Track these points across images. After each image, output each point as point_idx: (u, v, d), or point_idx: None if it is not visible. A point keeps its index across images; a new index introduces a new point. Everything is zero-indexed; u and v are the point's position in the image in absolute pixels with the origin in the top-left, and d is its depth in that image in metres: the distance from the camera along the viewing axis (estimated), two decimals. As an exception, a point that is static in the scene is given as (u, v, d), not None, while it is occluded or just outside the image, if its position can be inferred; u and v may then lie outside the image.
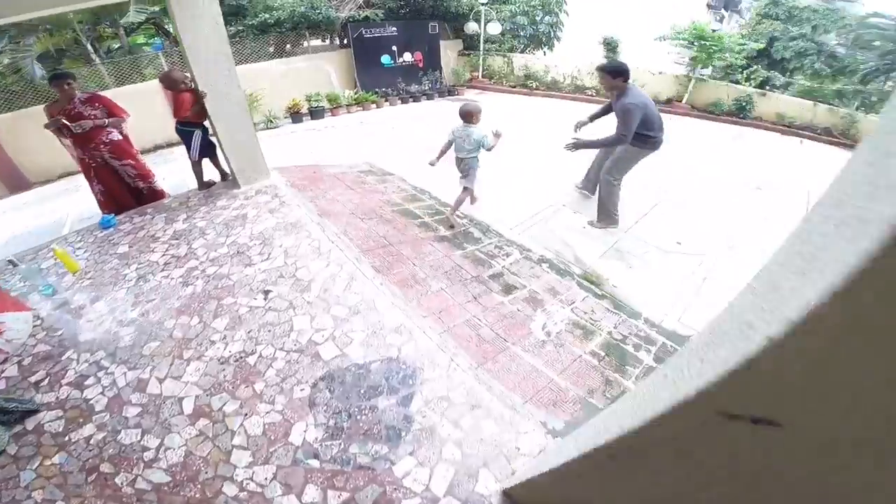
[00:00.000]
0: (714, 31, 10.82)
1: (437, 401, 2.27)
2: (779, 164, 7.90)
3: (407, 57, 11.65)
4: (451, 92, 12.37)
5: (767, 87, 11.93)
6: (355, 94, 10.07)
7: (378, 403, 2.25)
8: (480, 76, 13.33)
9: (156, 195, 4.55)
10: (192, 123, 3.95)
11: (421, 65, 11.98)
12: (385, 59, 11.25)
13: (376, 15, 10.91)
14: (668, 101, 11.50)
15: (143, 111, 6.34)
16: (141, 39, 11.71)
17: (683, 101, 11.19)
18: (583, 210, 4.79)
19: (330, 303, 2.88)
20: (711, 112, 10.92)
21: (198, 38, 3.45)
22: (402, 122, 8.70)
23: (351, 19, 10.67)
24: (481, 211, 4.54)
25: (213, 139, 4.27)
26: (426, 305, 2.95)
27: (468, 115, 3.83)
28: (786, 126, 10.74)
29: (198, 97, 3.69)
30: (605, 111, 4.34)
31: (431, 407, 2.24)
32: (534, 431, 2.13)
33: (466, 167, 3.98)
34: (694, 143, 8.46)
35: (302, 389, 2.34)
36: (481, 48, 12.88)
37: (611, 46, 12.06)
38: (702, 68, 11.13)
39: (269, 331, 2.70)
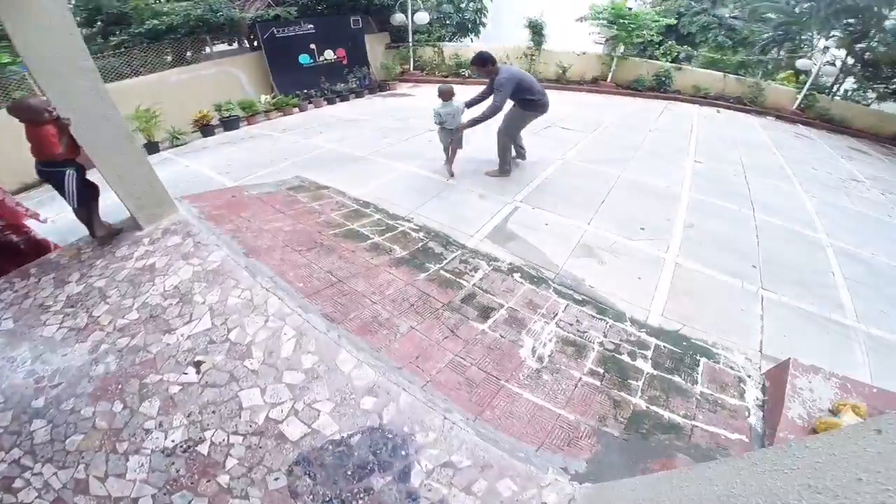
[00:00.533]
0: (629, 9, 10.99)
1: (440, 469, 1.89)
2: (709, 134, 8.21)
3: (328, 55, 10.83)
4: (381, 87, 11.72)
5: (682, 61, 12.48)
6: (273, 98, 9.19)
7: (372, 484, 1.83)
8: (412, 68, 12.82)
9: (39, 248, 3.61)
10: (59, 162, 3.05)
11: (345, 62, 11.20)
12: (303, 58, 10.35)
13: (288, 13, 10.01)
14: (595, 81, 11.69)
15: (13, 142, 5.13)
16: (5, 58, 9.84)
17: (608, 79, 11.41)
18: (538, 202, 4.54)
19: (280, 369, 2.30)
20: (635, 88, 11.23)
21: (49, 55, 2.65)
22: (331, 126, 7.90)
23: (259, 19, 9.68)
24: (436, 218, 4.11)
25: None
26: (399, 352, 2.45)
27: (448, 94, 4.58)
28: (702, 97, 11.29)
29: (62, 127, 2.85)
30: (483, 96, 4.68)
31: (436, 478, 1.86)
32: (557, 481, 1.87)
33: (457, 135, 4.76)
34: (631, 121, 8.57)
35: (276, 479, 1.84)
36: (410, 40, 12.33)
37: (536, 29, 11.93)
38: (623, 47, 11.36)
39: (214, 412, 2.11)
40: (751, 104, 11.34)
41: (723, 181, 5.70)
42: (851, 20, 11.61)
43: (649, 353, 2.71)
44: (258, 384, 2.24)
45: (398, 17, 12.01)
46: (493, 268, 3.40)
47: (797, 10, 12.74)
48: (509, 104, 4.51)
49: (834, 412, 2.23)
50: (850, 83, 12.84)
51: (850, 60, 11.92)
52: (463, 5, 13.59)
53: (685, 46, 12.76)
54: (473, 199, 4.60)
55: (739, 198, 5.19)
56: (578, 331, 2.83)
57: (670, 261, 3.75)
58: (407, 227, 3.92)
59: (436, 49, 12.88)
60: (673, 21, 12.59)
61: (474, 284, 3.16)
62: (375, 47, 12.41)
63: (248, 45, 10.67)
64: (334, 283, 2.96)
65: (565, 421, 2.17)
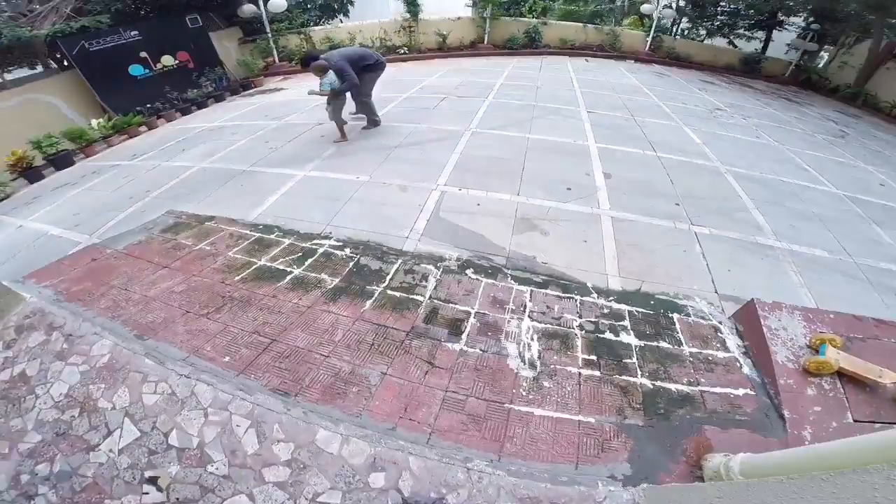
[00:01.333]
0: None
1: (491, 523, 1.48)
2: (589, 83, 8.47)
3: (167, 61, 9.04)
4: (244, 86, 10.09)
5: (541, 15, 12.78)
6: (109, 121, 7.27)
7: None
8: (277, 60, 11.28)
9: None
10: None
11: (192, 65, 9.46)
12: (135, 69, 8.52)
13: (98, 22, 8.10)
14: (473, 45, 11.50)
15: None
16: None
17: (485, 41, 11.28)
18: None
19: (255, 468, 1.65)
20: (511, 47, 11.29)
21: None
22: (194, 139, 6.41)
23: (60, 34, 7.63)
24: (359, 226, 3.50)
25: None
26: (382, 410, 1.92)
27: (322, 69, 4.74)
28: (570, 49, 11.74)
29: None
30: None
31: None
32: (612, 492, 1.69)
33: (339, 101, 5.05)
34: (518, 81, 8.46)
35: None
36: (268, 30, 10.71)
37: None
38: (489, 8, 11.26)
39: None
40: (611, 50, 12.11)
41: (619, 128, 5.85)
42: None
43: (627, 324, 2.58)
44: (241, 490, 1.62)
45: (247, 9, 10.36)
46: (444, 269, 2.96)
47: None
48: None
49: (813, 348, 2.26)
50: (685, 23, 14.38)
51: (682, 2, 13.28)
52: None
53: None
54: (394, 192, 4.02)
55: (639, 141, 5.37)
56: (554, 318, 2.57)
57: (605, 216, 3.66)
58: (328, 245, 3.24)
59: (303, 36, 11.52)
60: None
61: (431, 297, 2.69)
62: (226, 45, 10.77)
63: (55, 66, 8.34)
64: (267, 345, 2.26)
65: (588, 427, 1.95)
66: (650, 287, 2.94)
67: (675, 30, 13.62)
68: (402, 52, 11.10)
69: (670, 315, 2.69)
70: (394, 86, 8.00)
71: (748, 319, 2.57)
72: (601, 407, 2.05)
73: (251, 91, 9.73)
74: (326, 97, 4.89)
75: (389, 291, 2.73)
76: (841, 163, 6.07)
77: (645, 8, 12.37)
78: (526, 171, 4.35)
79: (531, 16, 11.99)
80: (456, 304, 2.64)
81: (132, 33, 8.35)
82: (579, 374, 2.22)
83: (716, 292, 2.99)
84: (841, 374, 2.11)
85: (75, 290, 2.75)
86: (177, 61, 9.20)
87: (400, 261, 3.05)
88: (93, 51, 7.76)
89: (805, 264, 3.41)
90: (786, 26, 15.04)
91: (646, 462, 1.82)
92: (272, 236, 3.39)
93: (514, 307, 2.64)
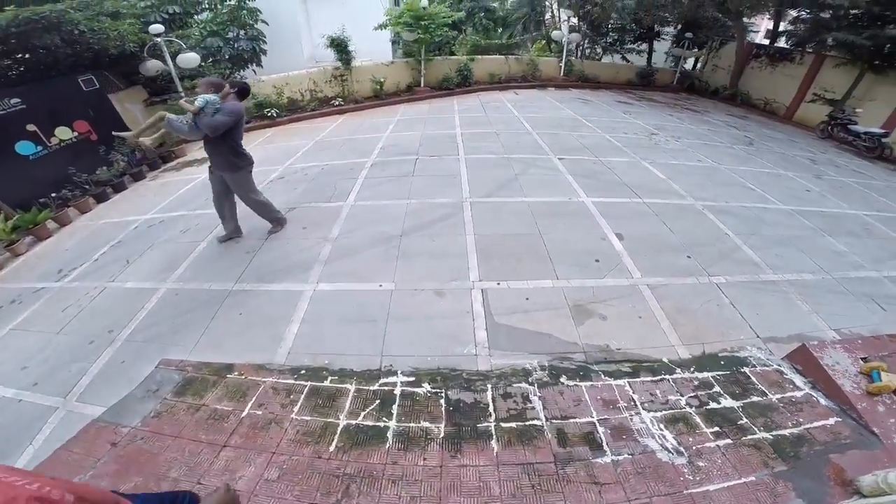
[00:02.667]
0: (424, 8, 10.74)
1: None
2: (534, 121, 8.81)
3: (63, 133, 7.26)
4: (163, 158, 8.52)
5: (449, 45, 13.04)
6: (6, 221, 5.61)
7: None
8: None
9: None
10: None
11: (95, 138, 7.71)
12: (25, 147, 6.68)
13: None
14: (409, 88, 11.42)
15: None
16: None
17: (422, 84, 11.27)
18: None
19: None
20: (447, 87, 11.40)
21: None
22: (133, 242, 5.11)
23: None
24: (418, 351, 3.20)
25: None
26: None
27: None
28: (498, 83, 12.21)
29: None
30: None
31: None
32: None
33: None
34: (474, 128, 8.50)
35: None
36: (179, 88, 9.27)
37: (340, 47, 10.61)
38: (431, 50, 11.22)
39: None
40: (532, 79, 12.83)
41: (595, 175, 6.09)
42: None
43: (719, 389, 2.82)
44: None
45: (152, 66, 8.93)
46: (538, 383, 2.84)
47: None
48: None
49: (865, 374, 2.76)
50: (586, 44, 15.66)
51: (583, 24, 14.45)
52: (232, 35, 11.30)
53: (454, 33, 13.40)
54: (431, 300, 3.66)
55: (620, 188, 5.66)
56: (662, 404, 2.69)
57: (642, 286, 3.79)
58: (400, 384, 2.89)
59: None
60: (462, 14, 13.00)
61: (548, 418, 2.56)
62: (129, 108, 9.01)
63: None
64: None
65: (754, 484, 2.20)
66: (710, 347, 3.18)
67: (578, 52, 14.79)
68: (337, 103, 10.63)
69: (742, 370, 3.00)
70: (351, 148, 7.56)
71: (804, 360, 2.99)
72: (751, 466, 2.30)
73: (174, 163, 8.34)
74: (186, 116, 3.83)
75: (504, 424, 2.55)
76: (768, 174, 6.97)
77: (555, 35, 13.27)
78: (549, 247, 4.30)
79: (461, 52, 12.21)
80: (574, 417, 2.58)
81: (13, 101, 6.55)
82: (717, 445, 2.41)
83: (758, 337, 3.32)
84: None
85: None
86: (75, 133, 7.44)
87: (489, 385, 2.85)
88: (-44, 126, 5.89)
89: (803, 291, 3.91)
90: (662, 37, 17.08)
91: (810, 495, 2.13)
92: (327, 383, 2.91)
93: (625, 404, 2.67)
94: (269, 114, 10.03)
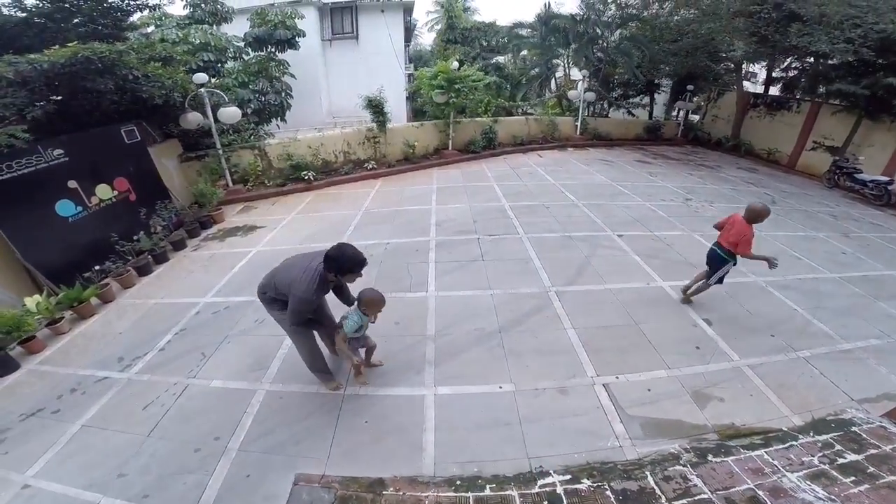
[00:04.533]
0: (455, 69, 11.56)
1: None
2: (573, 190, 9.63)
3: (104, 192, 6.90)
4: (202, 224, 8.38)
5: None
6: (49, 299, 5.47)
7: None
8: (231, 183, 9.89)
9: None
10: None
11: (133, 198, 7.42)
12: (65, 207, 6.26)
13: (13, 137, 5.68)
14: (437, 151, 12.31)
15: None
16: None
17: (450, 147, 12.19)
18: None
19: None
20: (474, 151, 12.34)
21: None
22: (201, 329, 5.15)
23: None
24: (563, 449, 3.58)
25: None
26: None
27: (360, 302, 3.54)
28: (520, 145, 13.29)
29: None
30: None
31: None
32: None
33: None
34: (517, 200, 9.18)
35: None
36: (218, 145, 9.42)
37: (377, 108, 11.23)
38: (458, 112, 11.98)
39: None
40: (552, 140, 14.00)
41: (658, 254, 6.78)
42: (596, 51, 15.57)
43: (840, 448, 3.41)
44: None
45: (193, 118, 8.65)
46: (690, 464, 3.35)
47: (548, 42, 16.32)
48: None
49: None
50: (595, 99, 17.15)
51: (594, 82, 15.92)
52: (261, 87, 11.91)
53: (487, 97, 14.51)
54: (556, 399, 4.00)
55: (686, 268, 6.25)
56: (801, 465, 3.26)
57: (743, 366, 4.44)
58: (558, 483, 3.15)
59: (257, 151, 10.55)
60: (494, 78, 14.08)
61: (712, 491, 3.07)
62: (165, 163, 8.87)
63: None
64: None
65: None
66: (818, 413, 3.87)
67: (590, 109, 16.23)
68: (371, 166, 11.33)
69: (852, 429, 3.65)
70: (405, 222, 8.12)
71: None
72: (892, 501, 2.83)
73: (214, 231, 8.28)
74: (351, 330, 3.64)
75: (676, 502, 3.00)
76: (803, 237, 7.93)
77: (571, 94, 14.61)
78: (649, 337, 4.81)
79: (486, 116, 13.20)
80: (734, 486, 3.09)
81: (56, 153, 6.13)
82: (859, 490, 2.96)
83: (852, 400, 4.07)
84: None
85: None
86: (115, 192, 7.07)
87: (647, 472, 3.32)
88: (2, 180, 5.49)
89: (876, 355, 4.71)
90: (662, 89, 18.83)
91: None
92: (488, 491, 3.09)
93: (770, 470, 3.21)
94: (307, 177, 10.45)
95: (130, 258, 6.76)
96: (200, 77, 8.59)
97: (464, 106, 11.89)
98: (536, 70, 16.60)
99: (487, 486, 3.11)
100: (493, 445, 3.45)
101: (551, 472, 3.25)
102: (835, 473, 3.19)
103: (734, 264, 5.09)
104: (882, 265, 7.09)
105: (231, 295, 5.87)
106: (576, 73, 15.62)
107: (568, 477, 3.22)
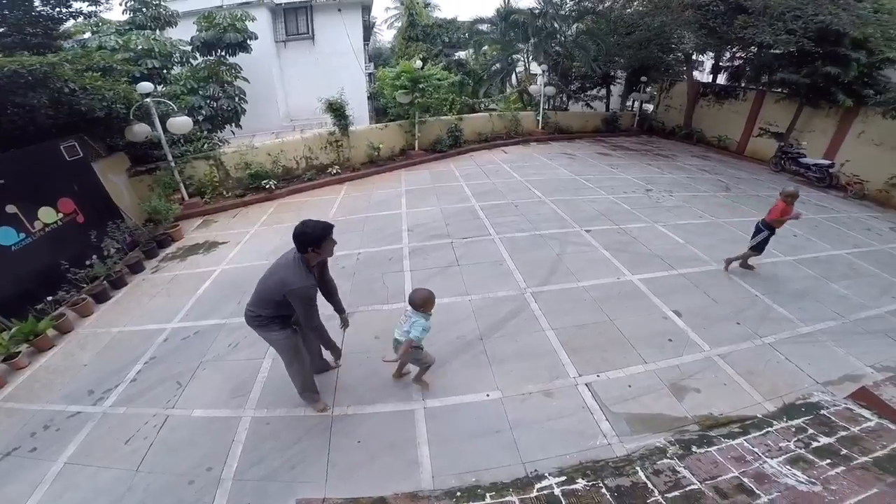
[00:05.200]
0: (418, 68, 11.35)
1: None
2: (538, 185, 9.66)
3: (48, 216, 6.30)
4: (160, 243, 7.79)
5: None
6: (2, 333, 5.18)
7: None
8: (187, 197, 9.26)
9: None
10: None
11: (81, 219, 6.81)
12: (6, 235, 5.75)
13: None
14: (403, 152, 12.10)
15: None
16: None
17: (416, 147, 12.00)
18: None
19: None
20: (440, 150, 12.21)
21: None
22: (171, 356, 4.90)
23: None
24: (556, 450, 3.62)
25: None
26: None
27: (417, 304, 3.59)
28: (485, 141, 13.27)
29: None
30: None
31: None
32: None
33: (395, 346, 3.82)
34: (487, 199, 9.16)
35: None
36: (170, 157, 8.73)
37: (338, 111, 10.85)
38: (424, 111, 11.77)
39: None
40: (515, 135, 14.06)
41: (626, 248, 6.89)
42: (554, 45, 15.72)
43: (812, 431, 3.58)
44: None
45: (140, 130, 8.07)
46: (676, 456, 3.43)
47: (508, 38, 16.34)
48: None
49: None
50: (555, 93, 17.35)
51: (553, 76, 16.07)
52: (212, 92, 11.30)
53: (451, 95, 14.39)
54: (542, 403, 4.05)
55: (653, 260, 6.52)
56: (780, 450, 3.39)
57: (714, 357, 4.57)
58: (555, 484, 3.25)
59: (212, 161, 9.89)
60: (458, 78, 13.93)
61: (701, 481, 3.16)
62: (113, 180, 8.22)
63: None
64: None
65: (877, 495, 2.88)
66: (788, 398, 4.04)
67: (550, 103, 16.40)
68: (335, 171, 11.01)
69: (821, 413, 3.81)
70: (375, 229, 7.90)
71: (866, 398, 3.91)
72: (868, 482, 2.98)
73: (174, 249, 7.77)
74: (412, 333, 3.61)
75: (668, 495, 3.07)
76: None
77: (532, 89, 14.69)
78: (624, 332, 4.90)
79: (451, 114, 13.06)
80: (721, 475, 3.19)
81: None
82: (836, 473, 3.10)
83: (818, 383, 4.25)
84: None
85: None
86: (60, 215, 6.47)
87: (637, 467, 3.36)
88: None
89: (833, 337, 4.95)
90: (618, 81, 19.26)
91: None
92: (488, 499, 3.13)
93: (751, 457, 3.34)
94: (267, 186, 9.99)
95: (85, 285, 6.28)
96: (145, 86, 8.04)
97: (429, 105, 11.66)
98: (498, 65, 16.66)
99: (487, 495, 3.15)
100: (487, 454, 3.48)
101: (547, 474, 3.31)
102: (811, 457, 3.33)
103: (770, 234, 5.84)
104: (830, 245, 7.50)
105: (200, 319, 5.56)
106: (535, 68, 15.69)
107: (563, 478, 3.27)
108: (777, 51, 11.80)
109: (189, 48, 12.30)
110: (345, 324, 4.00)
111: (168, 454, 3.66)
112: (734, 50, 15.40)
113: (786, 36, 10.75)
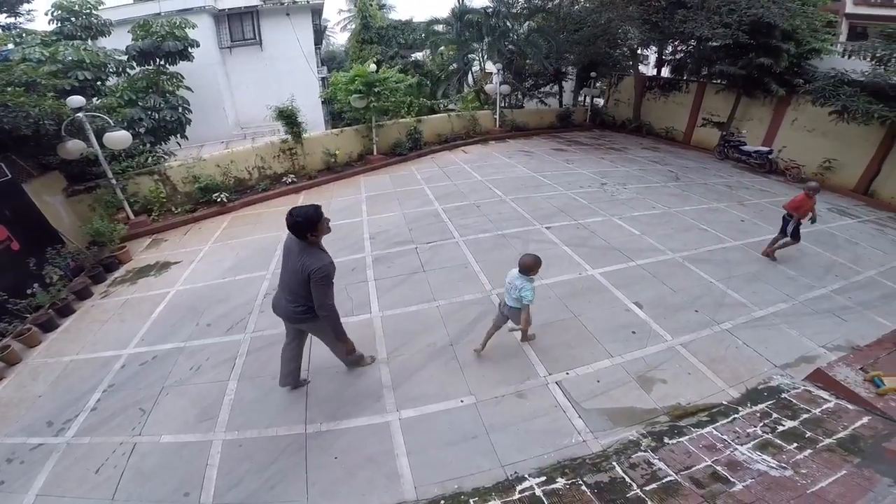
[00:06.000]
0: (374, 72, 11.07)
1: None
2: (499, 184, 9.65)
3: None
4: (107, 266, 7.34)
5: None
6: None
7: None
8: (132, 216, 8.67)
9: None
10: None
11: (16, 246, 6.30)
12: None
13: None
14: (362, 157, 11.77)
15: None
16: None
17: (374, 152, 11.70)
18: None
19: None
20: (400, 153, 11.96)
21: None
22: (131, 383, 4.65)
23: None
24: (535, 451, 3.56)
25: None
26: None
27: (525, 269, 3.97)
28: (446, 142, 13.14)
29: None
30: None
31: None
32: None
33: (512, 315, 4.19)
34: (450, 203, 9.02)
35: None
36: (109, 174, 8.12)
37: (290, 118, 10.34)
38: (382, 114, 11.47)
39: None
40: (474, 134, 14.02)
41: (585, 242, 6.93)
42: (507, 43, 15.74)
43: (777, 415, 3.71)
44: None
45: (73, 147, 7.55)
46: (650, 448, 3.46)
47: (463, 37, 16.27)
48: None
49: (869, 381, 3.88)
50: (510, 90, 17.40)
51: (508, 74, 16.10)
52: (154, 103, 10.62)
53: (408, 98, 14.16)
54: (516, 404, 3.98)
55: (612, 253, 6.58)
56: (748, 437, 3.50)
57: (678, 346, 4.64)
58: (536, 485, 3.21)
59: (157, 175, 9.28)
60: (415, 80, 13.65)
61: (677, 472, 3.20)
62: (48, 201, 7.65)
63: None
64: None
65: (847, 476, 3.04)
66: (750, 384, 4.16)
67: (506, 101, 16.45)
68: (290, 180, 10.58)
69: (783, 396, 3.96)
70: (336, 239, 7.38)
71: (822, 379, 4.08)
72: (836, 464, 3.14)
73: (122, 273, 7.30)
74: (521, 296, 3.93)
75: (647, 488, 3.10)
76: (707, 209, 8.55)
77: (488, 88, 14.68)
78: (589, 328, 4.90)
79: (409, 116, 12.82)
80: (695, 465, 3.26)
81: None
82: (804, 456, 3.23)
83: (776, 366, 4.38)
84: (897, 388, 3.76)
85: None
86: None
87: (614, 462, 3.36)
88: None
89: (786, 319, 5.14)
90: (569, 77, 19.59)
91: (888, 470, 3.05)
92: None
93: (721, 445, 3.43)
94: (219, 199, 9.47)
95: (28, 315, 5.87)
96: (76, 100, 7.40)
97: (387, 108, 11.39)
98: (455, 65, 16.58)
99: (471, 501, 3.13)
100: (467, 460, 3.45)
101: (527, 476, 3.29)
102: (779, 441, 3.42)
103: (796, 220, 6.26)
104: (775, 228, 7.77)
105: (156, 343, 5.28)
106: (491, 67, 15.70)
107: (543, 478, 3.26)
108: (715, 43, 12.25)
109: (125, 58, 11.51)
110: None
111: (142, 482, 3.53)
112: (676, 44, 15.92)
113: (722, 29, 11.19)
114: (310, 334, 4.00)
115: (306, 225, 3.19)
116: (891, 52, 10.08)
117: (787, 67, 11.62)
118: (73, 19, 11.22)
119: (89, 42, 11.28)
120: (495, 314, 4.44)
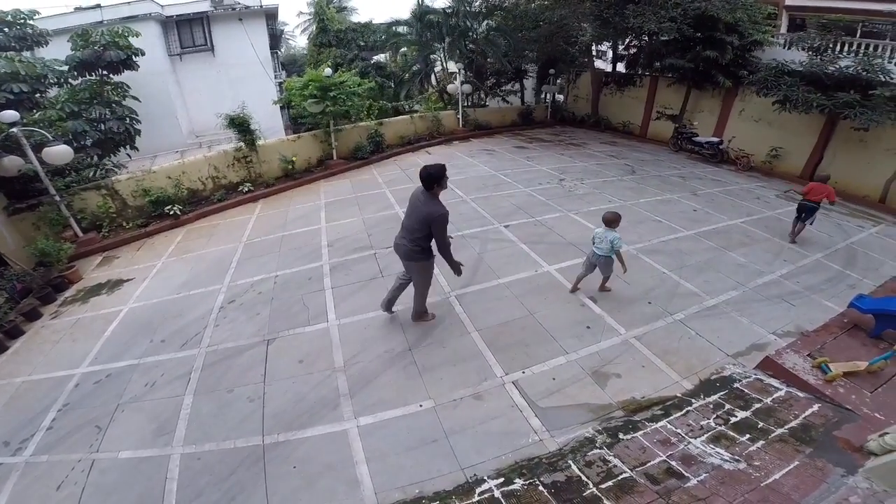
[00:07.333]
0: (328, 76, 10.74)
1: None
2: (461, 183, 9.55)
3: None
4: (56, 287, 7.01)
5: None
6: None
7: None
8: (80, 233, 8.20)
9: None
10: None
11: None
12: None
13: None
14: (321, 162, 11.44)
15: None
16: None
17: (335, 157, 11.38)
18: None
19: None
20: (361, 157, 11.68)
21: None
22: (86, 402, 4.51)
23: None
24: (492, 452, 3.45)
25: None
26: None
27: (608, 222, 4.83)
28: (409, 144, 12.94)
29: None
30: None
31: None
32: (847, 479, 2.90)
33: (601, 264, 5.04)
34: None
35: None
36: (52, 190, 7.64)
37: (242, 126, 9.96)
38: (341, 118, 11.17)
39: None
40: (438, 135, 13.87)
41: (542, 239, 6.87)
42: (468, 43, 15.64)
43: (729, 406, 3.70)
44: None
45: (10, 163, 7.21)
46: (605, 445, 3.41)
47: (424, 38, 16.07)
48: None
49: (817, 367, 3.91)
50: (472, 89, 17.33)
51: (469, 73, 16.03)
52: (99, 114, 10.07)
53: (367, 102, 13.85)
54: (473, 407, 3.93)
55: (567, 248, 6.54)
56: (701, 429, 3.48)
57: (632, 339, 4.61)
58: (495, 487, 3.12)
59: (104, 190, 8.78)
60: (373, 84, 13.30)
61: (633, 469, 3.15)
62: None
63: None
64: None
65: (801, 467, 3.04)
66: (703, 374, 4.15)
67: (469, 101, 16.36)
68: (247, 189, 10.17)
69: (735, 386, 3.95)
70: (293, 248, 7.36)
71: (771, 367, 4.08)
72: (788, 454, 3.12)
73: (73, 292, 6.98)
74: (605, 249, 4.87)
75: (602, 486, 3.05)
76: (660, 201, 8.65)
77: (450, 88, 14.56)
78: (545, 325, 4.83)
79: (370, 119, 12.54)
80: (650, 460, 3.22)
81: None
82: (757, 448, 3.21)
83: (728, 355, 4.38)
84: (845, 374, 3.75)
85: None
86: None
87: (570, 461, 3.29)
88: None
89: (737, 307, 5.18)
90: (529, 74, 19.69)
91: (844, 464, 3.00)
92: None
93: (675, 439, 3.40)
94: (172, 212, 9.04)
95: None
96: (9, 115, 6.96)
97: (345, 112, 11.08)
98: (417, 66, 16.38)
99: None
100: (427, 464, 3.40)
101: (486, 477, 3.25)
102: (732, 433, 3.39)
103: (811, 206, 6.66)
104: (726, 217, 7.98)
105: (110, 361, 5.11)
106: (452, 66, 15.58)
107: (501, 480, 3.22)
108: (665, 38, 12.47)
109: (65, 68, 10.84)
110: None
111: (103, 498, 3.47)
112: (628, 39, 16.17)
113: (668, 23, 11.38)
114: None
115: (436, 176, 4.04)
116: (826, 43, 10.47)
117: (733, 60, 11.92)
118: (5, 30, 10.49)
119: (25, 53, 10.57)
120: (585, 264, 5.24)
